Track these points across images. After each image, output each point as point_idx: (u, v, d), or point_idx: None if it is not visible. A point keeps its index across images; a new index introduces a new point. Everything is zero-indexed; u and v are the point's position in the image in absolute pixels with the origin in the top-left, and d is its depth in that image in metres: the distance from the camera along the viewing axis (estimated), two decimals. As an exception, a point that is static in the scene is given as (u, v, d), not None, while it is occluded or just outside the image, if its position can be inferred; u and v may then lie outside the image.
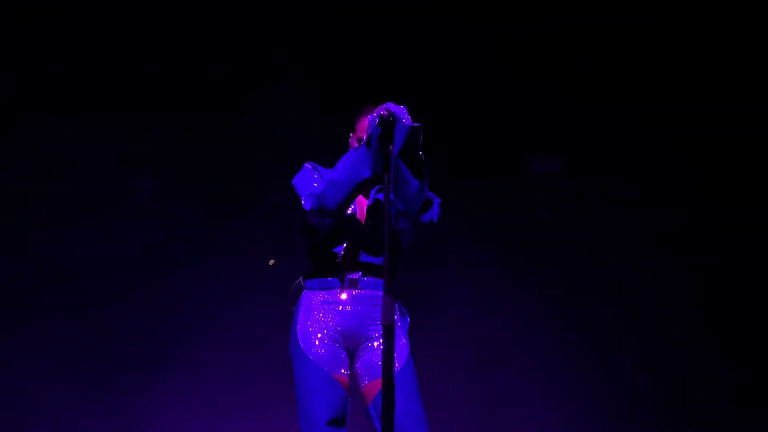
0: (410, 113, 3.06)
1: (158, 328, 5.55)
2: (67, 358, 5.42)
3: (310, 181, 3.18)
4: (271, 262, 5.33)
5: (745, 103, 5.34)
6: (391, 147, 2.88)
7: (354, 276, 3.19)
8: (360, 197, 3.31)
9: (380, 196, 3.31)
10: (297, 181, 3.23)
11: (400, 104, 3.05)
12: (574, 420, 5.45)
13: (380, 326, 2.97)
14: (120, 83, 5.42)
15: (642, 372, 5.56)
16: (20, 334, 5.38)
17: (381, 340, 3.02)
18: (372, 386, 3.09)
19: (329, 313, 3.16)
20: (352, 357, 3.20)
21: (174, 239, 5.64)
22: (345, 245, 3.20)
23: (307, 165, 3.30)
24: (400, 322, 3.23)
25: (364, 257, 3.20)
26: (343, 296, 3.17)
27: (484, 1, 5.37)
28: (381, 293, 3.09)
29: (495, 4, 5.39)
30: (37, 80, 5.42)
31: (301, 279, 3.31)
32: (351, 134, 3.34)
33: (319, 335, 3.14)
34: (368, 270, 3.19)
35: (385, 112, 2.91)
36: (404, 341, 3.19)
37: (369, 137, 2.98)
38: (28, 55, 5.33)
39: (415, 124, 2.98)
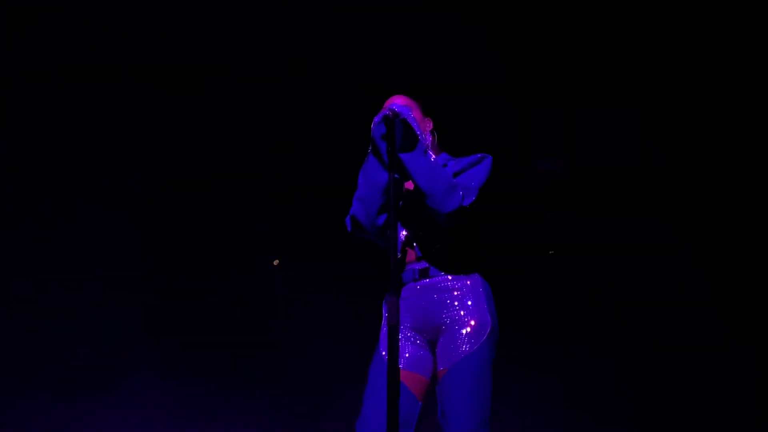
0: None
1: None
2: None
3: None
4: (276, 262, 5.33)
5: (746, 103, 5.37)
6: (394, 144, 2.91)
7: (417, 267, 3.17)
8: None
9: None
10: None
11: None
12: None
13: (451, 311, 3.07)
14: (120, 83, 5.42)
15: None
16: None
17: (456, 325, 3.06)
18: (440, 373, 3.07)
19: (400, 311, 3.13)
20: (433, 346, 3.15)
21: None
22: (401, 245, 3.21)
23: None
24: (474, 316, 3.11)
25: (419, 251, 3.19)
26: (407, 290, 3.16)
27: (484, 1, 5.37)
28: (443, 277, 3.14)
29: (495, 4, 5.39)
30: (37, 80, 5.41)
31: None
32: None
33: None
34: (426, 259, 3.16)
35: (390, 113, 2.93)
36: (476, 328, 3.08)
37: (372, 140, 3.02)
38: (27, 55, 5.32)
39: (402, 115, 2.98)
